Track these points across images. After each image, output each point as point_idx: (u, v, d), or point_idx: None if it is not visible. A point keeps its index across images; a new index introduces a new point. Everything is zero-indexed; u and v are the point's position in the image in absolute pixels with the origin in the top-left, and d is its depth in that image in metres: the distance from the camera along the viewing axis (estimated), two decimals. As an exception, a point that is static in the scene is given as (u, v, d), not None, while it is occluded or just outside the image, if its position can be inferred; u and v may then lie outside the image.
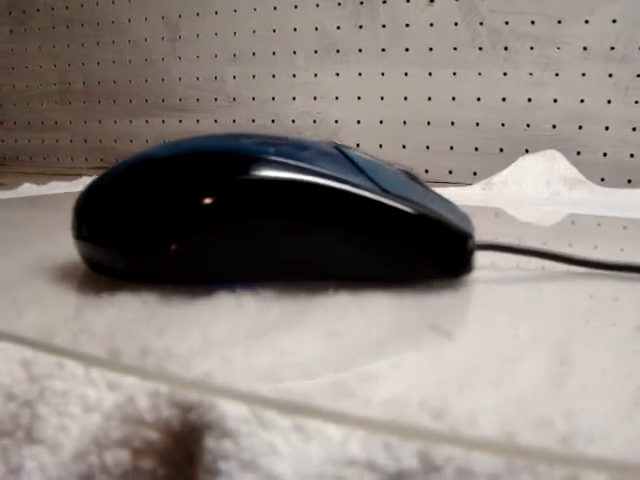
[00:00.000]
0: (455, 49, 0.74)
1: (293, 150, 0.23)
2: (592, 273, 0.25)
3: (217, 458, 0.12)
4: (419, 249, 0.22)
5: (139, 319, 0.19)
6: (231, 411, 0.13)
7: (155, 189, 0.22)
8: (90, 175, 0.70)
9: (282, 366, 0.15)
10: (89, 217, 0.23)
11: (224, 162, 0.22)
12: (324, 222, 0.22)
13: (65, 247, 0.30)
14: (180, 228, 0.21)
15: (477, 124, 0.74)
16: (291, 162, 0.22)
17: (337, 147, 0.25)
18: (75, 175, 0.71)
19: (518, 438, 0.12)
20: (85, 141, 0.92)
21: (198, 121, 0.86)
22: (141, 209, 0.21)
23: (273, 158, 0.22)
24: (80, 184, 0.64)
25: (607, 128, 0.70)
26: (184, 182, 0.21)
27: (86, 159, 0.92)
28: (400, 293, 0.21)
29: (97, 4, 0.89)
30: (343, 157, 0.24)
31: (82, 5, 0.90)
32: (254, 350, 0.16)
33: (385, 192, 0.22)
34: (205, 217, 0.21)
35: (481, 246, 0.24)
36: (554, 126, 0.71)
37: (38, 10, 0.92)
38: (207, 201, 0.21)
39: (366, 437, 0.12)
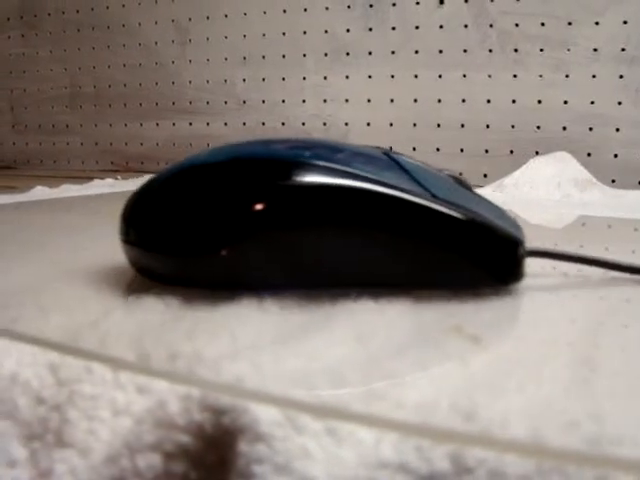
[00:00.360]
0: (465, 51, 0.74)
1: (344, 156, 0.23)
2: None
3: (251, 462, 0.12)
4: (470, 255, 0.22)
5: (165, 323, 0.19)
6: (264, 415, 0.13)
7: (207, 194, 0.22)
8: (101, 178, 0.71)
9: (312, 370, 0.15)
10: (139, 221, 0.23)
11: (276, 168, 0.22)
12: (374, 228, 0.22)
13: (86, 249, 0.30)
14: (231, 233, 0.21)
15: (487, 126, 0.74)
16: (343, 168, 0.22)
17: (386, 153, 0.25)
18: (86, 178, 0.71)
19: (547, 440, 0.12)
20: (96, 144, 0.92)
21: (208, 124, 0.86)
22: (192, 214, 0.21)
23: (324, 164, 0.22)
24: (92, 187, 0.65)
25: (618, 129, 0.70)
26: (236, 187, 0.21)
27: (97, 162, 0.93)
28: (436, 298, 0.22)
29: (107, 8, 0.90)
30: (393, 163, 0.24)
31: (93, 9, 0.90)
32: (282, 354, 0.16)
33: (435, 198, 0.22)
34: (256, 223, 0.21)
35: (531, 252, 0.24)
36: (564, 128, 0.71)
37: (49, 14, 0.93)
38: (259, 207, 0.21)
39: (398, 440, 0.12)
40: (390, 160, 0.24)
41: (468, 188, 0.25)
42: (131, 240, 0.23)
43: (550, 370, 0.15)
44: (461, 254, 0.22)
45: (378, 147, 0.26)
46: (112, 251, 0.24)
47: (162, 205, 0.22)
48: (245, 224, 0.21)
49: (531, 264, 0.24)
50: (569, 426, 0.13)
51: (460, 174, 0.27)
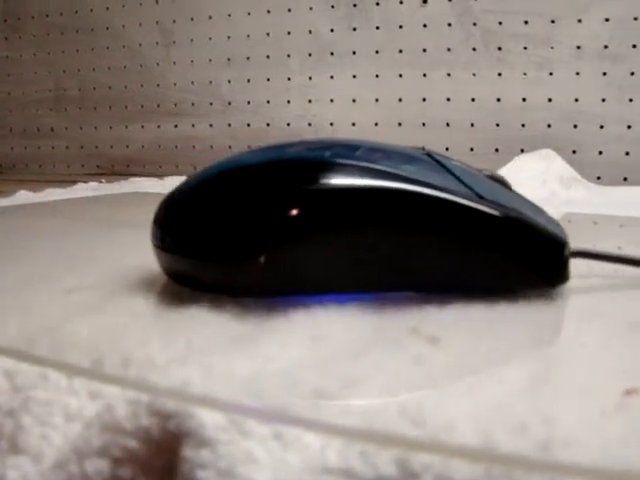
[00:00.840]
0: (449, 50, 0.74)
1: (387, 157, 0.22)
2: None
3: (194, 467, 0.12)
4: (518, 257, 0.21)
5: (121, 328, 0.19)
6: (209, 419, 0.13)
7: (244, 198, 0.21)
8: (85, 182, 0.71)
9: (262, 374, 0.15)
10: (175, 228, 0.22)
11: (316, 170, 0.21)
12: (421, 231, 0.21)
13: (60, 253, 0.30)
14: (269, 239, 0.20)
15: (472, 125, 0.74)
16: (386, 169, 0.21)
17: (428, 153, 0.25)
18: (71, 182, 0.71)
19: (496, 444, 0.12)
20: (81, 147, 0.92)
21: (194, 125, 0.86)
22: (230, 219, 0.21)
23: (367, 165, 0.21)
24: (75, 191, 0.64)
25: (602, 126, 0.70)
26: (275, 190, 0.21)
27: (82, 165, 0.92)
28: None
29: (91, 10, 0.89)
30: (435, 163, 0.23)
31: (76, 11, 0.90)
32: (234, 358, 0.16)
33: (481, 198, 0.21)
34: (295, 228, 0.20)
35: (575, 253, 0.23)
36: (549, 125, 0.71)
37: (33, 17, 0.92)
38: (297, 211, 0.20)
39: (343, 445, 0.12)
40: (433, 161, 0.24)
41: (508, 187, 0.25)
42: (167, 247, 0.22)
43: (505, 372, 0.15)
44: (509, 256, 0.21)
45: (419, 148, 0.26)
46: (89, 256, 0.24)
47: (198, 209, 0.21)
48: (282, 229, 0.20)
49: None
50: (519, 430, 0.12)
51: (501, 176, 0.26)
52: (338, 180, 0.21)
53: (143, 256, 0.24)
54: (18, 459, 0.15)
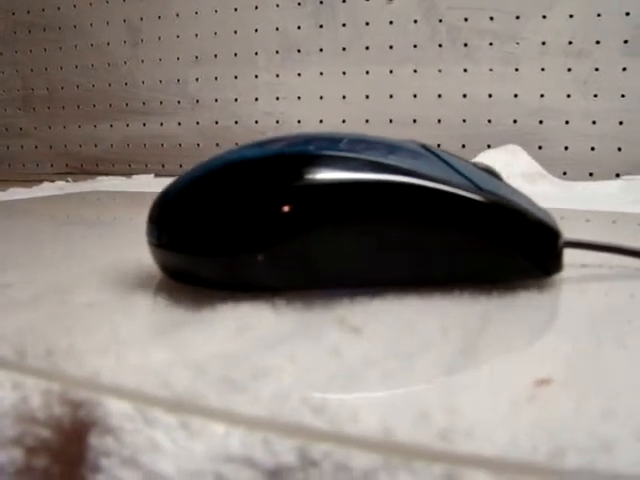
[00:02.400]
0: (415, 46, 0.74)
1: (385, 150, 0.22)
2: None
3: (99, 455, 0.12)
4: (516, 247, 0.22)
5: (50, 319, 0.18)
6: (115, 408, 0.13)
7: (243, 193, 0.20)
8: (53, 181, 0.70)
9: (174, 364, 0.15)
10: (170, 224, 0.21)
11: (314, 164, 0.21)
12: (425, 223, 0.21)
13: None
14: (269, 234, 0.20)
15: (439, 121, 0.74)
16: (386, 162, 0.21)
17: (425, 146, 0.25)
18: (40, 181, 0.70)
19: (395, 434, 0.12)
20: (50, 147, 0.92)
21: (162, 124, 0.85)
22: (227, 214, 0.20)
23: (367, 158, 0.21)
24: (40, 190, 0.64)
25: (567, 122, 0.70)
26: (274, 185, 0.20)
27: (52, 165, 0.92)
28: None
29: (58, 9, 0.89)
30: (434, 156, 0.24)
31: (43, 10, 0.89)
32: (150, 349, 0.16)
33: (480, 190, 0.22)
34: (293, 223, 0.20)
35: (568, 243, 0.23)
36: (515, 121, 0.72)
37: (-1, 16, 0.92)
38: (293, 207, 0.20)
39: (246, 434, 0.12)
40: (431, 154, 0.24)
41: (501, 179, 0.25)
42: (164, 244, 0.21)
43: (419, 363, 0.15)
44: (508, 246, 0.22)
45: (414, 141, 0.26)
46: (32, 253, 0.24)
47: (194, 206, 0.21)
48: (281, 225, 0.20)
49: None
50: (420, 420, 0.12)
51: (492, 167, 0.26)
52: (336, 174, 0.21)
53: (93, 252, 0.23)
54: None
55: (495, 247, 0.22)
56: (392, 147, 0.23)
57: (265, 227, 0.20)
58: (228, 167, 0.22)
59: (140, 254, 0.23)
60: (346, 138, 0.23)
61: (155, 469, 0.12)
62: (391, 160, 0.21)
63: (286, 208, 0.20)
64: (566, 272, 0.23)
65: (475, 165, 0.25)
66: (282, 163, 0.21)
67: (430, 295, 0.21)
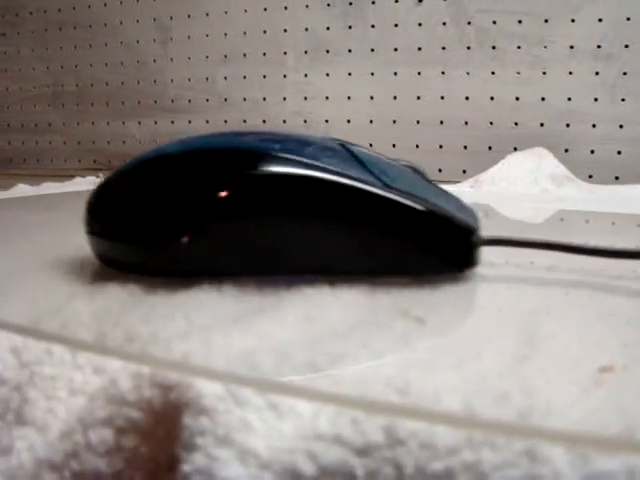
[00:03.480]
0: (443, 48, 0.75)
1: (298, 146, 0.24)
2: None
3: (194, 434, 0.13)
4: (423, 243, 0.23)
5: (125, 308, 0.19)
6: (207, 390, 0.14)
7: (166, 184, 0.22)
8: (83, 176, 0.71)
9: (258, 349, 0.15)
10: (101, 212, 0.24)
11: (232, 158, 0.22)
12: (329, 217, 0.22)
13: (56, 245, 0.30)
14: (189, 222, 0.22)
15: (466, 123, 0.74)
16: (297, 158, 0.23)
17: (341, 143, 0.26)
18: (68, 176, 0.71)
19: (477, 412, 0.13)
20: (78, 143, 0.93)
21: (190, 122, 0.86)
22: (152, 203, 0.22)
23: (279, 154, 0.23)
24: (72, 185, 0.65)
25: (594, 126, 0.70)
26: (194, 177, 0.22)
27: (79, 161, 0.93)
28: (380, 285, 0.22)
29: (89, 7, 0.90)
30: (347, 153, 0.25)
31: (74, 8, 0.91)
32: (233, 334, 0.16)
33: (387, 187, 0.23)
34: (213, 211, 0.22)
35: (488, 241, 0.24)
36: (542, 124, 0.72)
37: (31, 13, 0.93)
38: (215, 195, 0.22)
39: (335, 413, 0.13)
40: (345, 151, 0.25)
41: (425, 178, 0.26)
42: (95, 231, 0.24)
43: (489, 350, 0.16)
44: (414, 241, 0.23)
45: (334, 139, 0.27)
46: (80, 244, 0.25)
47: (123, 194, 0.23)
48: (203, 212, 0.22)
49: (494, 253, 0.24)
50: (500, 399, 0.13)
51: (423, 168, 0.27)
52: (252, 168, 0.22)
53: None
54: (24, 430, 0.15)
55: (399, 242, 0.23)
56: (307, 143, 0.24)
57: (183, 214, 0.22)
58: (156, 160, 0.24)
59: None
60: (260, 133, 0.25)
61: (247, 447, 0.13)
62: (300, 156, 0.23)
63: (208, 196, 0.22)
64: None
65: (397, 163, 0.26)
66: (201, 157, 0.23)
67: (489, 291, 0.21)
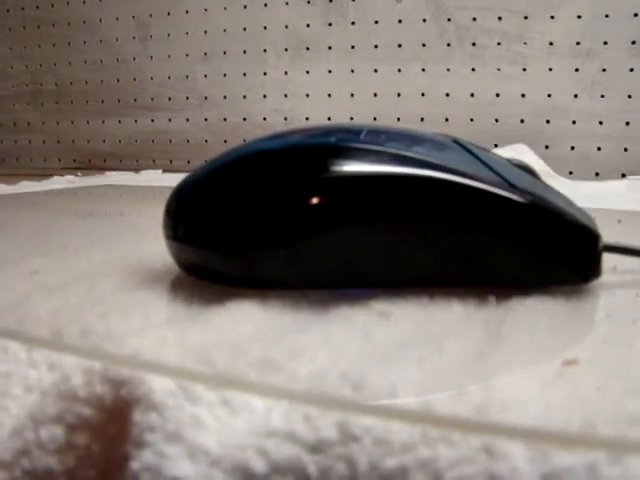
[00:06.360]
0: (424, 45, 0.74)
1: (407, 142, 0.21)
2: None
3: (143, 430, 0.13)
4: (552, 250, 0.20)
5: (83, 305, 0.19)
6: (158, 385, 0.13)
7: (263, 185, 0.20)
8: (62, 175, 0.71)
9: (213, 344, 0.15)
10: (189, 218, 0.20)
11: (337, 156, 0.20)
12: (455, 221, 0.20)
13: (27, 244, 0.30)
14: (291, 229, 0.19)
15: (446, 119, 0.74)
16: (410, 155, 0.20)
17: (455, 140, 0.23)
18: (48, 176, 0.71)
19: (434, 408, 0.12)
20: (58, 142, 0.92)
21: (170, 120, 0.86)
22: (246, 208, 0.19)
23: (390, 151, 0.20)
24: (51, 183, 0.64)
25: (574, 122, 0.71)
26: (294, 179, 0.19)
27: (59, 159, 0.92)
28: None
29: (68, 4, 0.89)
30: (464, 151, 0.22)
31: (53, 5, 0.90)
32: (188, 330, 0.16)
33: (513, 187, 0.20)
34: (317, 219, 0.19)
35: (607, 247, 0.21)
36: (522, 121, 0.72)
37: (8, 10, 0.92)
38: (320, 200, 0.19)
39: (288, 409, 0.13)
40: (461, 148, 0.23)
41: (538, 178, 0.24)
42: (180, 237, 0.21)
43: (452, 345, 0.16)
44: (543, 249, 0.20)
45: (446, 135, 0.25)
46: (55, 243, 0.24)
47: (220, 198, 0.20)
48: (311, 219, 0.19)
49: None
50: (457, 395, 0.13)
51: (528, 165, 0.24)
52: (360, 167, 0.20)
53: (111, 244, 0.24)
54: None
55: (529, 250, 0.20)
56: (416, 139, 0.22)
57: (287, 222, 0.19)
58: (247, 159, 0.21)
59: (153, 245, 0.23)
60: (365, 129, 0.22)
61: (198, 444, 0.12)
62: (414, 153, 0.20)
63: (310, 201, 0.19)
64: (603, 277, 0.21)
65: (510, 162, 0.24)
66: (303, 154, 0.20)
67: (451, 298, 0.20)
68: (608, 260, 0.22)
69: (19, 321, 0.17)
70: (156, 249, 0.22)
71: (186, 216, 0.21)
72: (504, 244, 0.20)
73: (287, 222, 0.19)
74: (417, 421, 0.12)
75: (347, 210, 0.19)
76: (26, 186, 0.61)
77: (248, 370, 0.14)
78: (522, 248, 0.20)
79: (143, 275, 0.22)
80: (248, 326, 0.17)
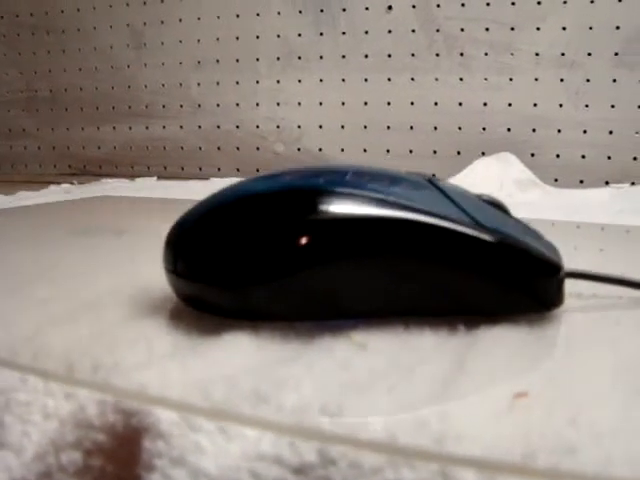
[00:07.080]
0: (413, 55, 0.76)
1: (388, 185, 0.23)
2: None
3: (152, 456, 0.15)
4: (517, 282, 0.22)
5: (92, 337, 0.21)
6: (164, 416, 0.15)
7: (258, 225, 0.22)
8: (58, 183, 0.72)
9: (210, 377, 0.17)
10: (188, 256, 0.22)
11: (324, 199, 0.22)
12: (429, 259, 0.22)
13: (35, 262, 0.31)
14: (282, 265, 0.21)
15: (435, 128, 0.76)
16: (389, 199, 0.22)
17: (429, 180, 0.25)
18: (43, 182, 0.72)
19: (398, 438, 0.14)
20: (53, 148, 0.93)
21: (164, 127, 0.87)
22: (245, 245, 0.21)
23: (372, 195, 0.22)
24: (48, 194, 0.66)
25: (559, 131, 0.72)
26: (284, 220, 0.21)
27: (54, 166, 0.94)
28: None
29: (62, 12, 0.91)
30: (436, 190, 0.24)
31: (47, 12, 0.91)
32: (188, 364, 0.18)
33: (479, 226, 0.22)
34: (304, 256, 0.21)
35: (570, 274, 0.24)
36: (509, 129, 0.74)
37: (2, 17, 0.93)
38: (308, 240, 0.21)
39: (275, 437, 0.15)
40: (435, 188, 0.25)
41: (506, 211, 0.26)
42: (180, 272, 0.23)
43: (420, 373, 0.18)
44: (507, 283, 0.22)
45: (420, 173, 0.27)
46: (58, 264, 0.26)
47: (217, 237, 0.22)
48: (294, 257, 0.21)
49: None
50: (420, 426, 0.15)
51: (499, 200, 0.26)
52: (345, 210, 0.22)
53: (113, 267, 0.25)
54: (1, 453, 0.17)
55: (496, 283, 0.22)
56: (394, 179, 0.24)
57: (278, 259, 0.21)
58: (241, 200, 0.23)
59: (151, 269, 0.25)
60: (350, 171, 0.24)
61: (199, 467, 0.14)
62: (392, 195, 0.22)
63: (299, 241, 0.21)
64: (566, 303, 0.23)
65: (480, 197, 0.26)
66: (293, 197, 0.22)
67: (424, 327, 0.22)
68: (577, 285, 0.25)
69: (34, 357, 0.19)
70: (154, 275, 0.24)
71: (185, 254, 0.22)
72: (474, 278, 0.22)
73: (277, 260, 0.21)
74: (384, 450, 0.14)
75: (331, 249, 0.21)
76: (24, 197, 0.63)
77: (241, 402, 0.16)
78: (490, 281, 0.22)
79: (146, 304, 0.24)
80: (241, 358, 0.18)
